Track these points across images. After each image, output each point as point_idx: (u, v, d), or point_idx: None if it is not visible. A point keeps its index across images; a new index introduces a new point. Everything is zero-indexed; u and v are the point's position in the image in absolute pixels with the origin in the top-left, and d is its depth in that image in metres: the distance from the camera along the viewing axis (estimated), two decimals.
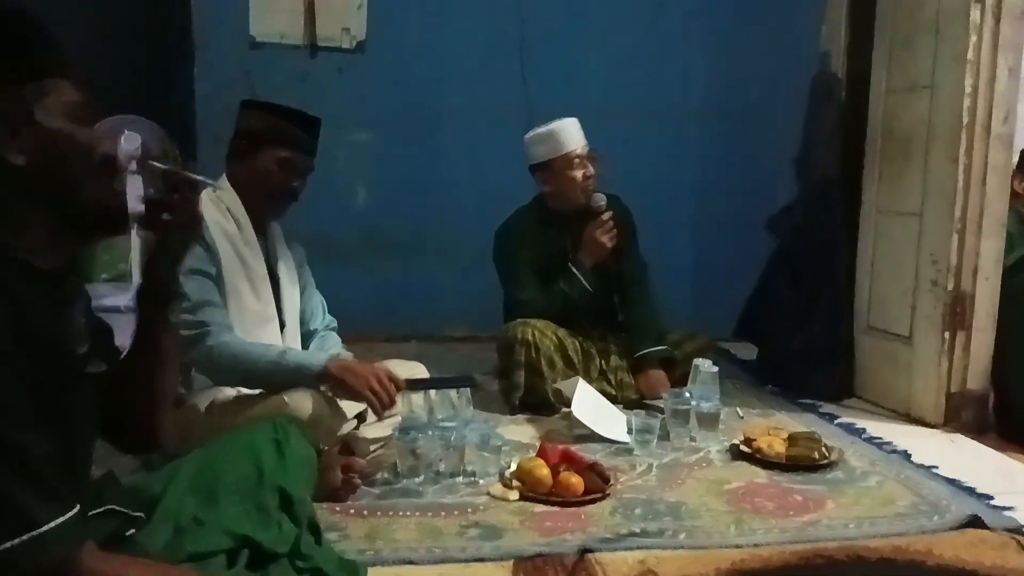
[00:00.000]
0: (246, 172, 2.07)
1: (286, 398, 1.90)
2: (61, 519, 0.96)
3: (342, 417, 1.98)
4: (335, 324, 2.35)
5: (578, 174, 2.85)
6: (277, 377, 1.92)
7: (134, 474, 1.67)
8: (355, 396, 1.94)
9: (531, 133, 2.92)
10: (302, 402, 1.90)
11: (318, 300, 2.33)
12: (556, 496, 1.98)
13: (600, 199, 2.88)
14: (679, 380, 2.79)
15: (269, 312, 2.09)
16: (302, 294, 2.26)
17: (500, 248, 2.96)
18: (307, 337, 2.26)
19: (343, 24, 3.78)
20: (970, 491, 2.13)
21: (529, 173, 2.95)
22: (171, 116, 4.65)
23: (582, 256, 2.87)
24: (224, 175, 2.10)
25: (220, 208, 2.05)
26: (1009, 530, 1.89)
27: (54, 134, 1.07)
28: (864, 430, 2.63)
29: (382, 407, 1.94)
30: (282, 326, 2.14)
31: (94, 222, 1.14)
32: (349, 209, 3.91)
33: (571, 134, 2.86)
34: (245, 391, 1.99)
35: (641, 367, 2.88)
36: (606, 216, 2.85)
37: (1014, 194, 3.18)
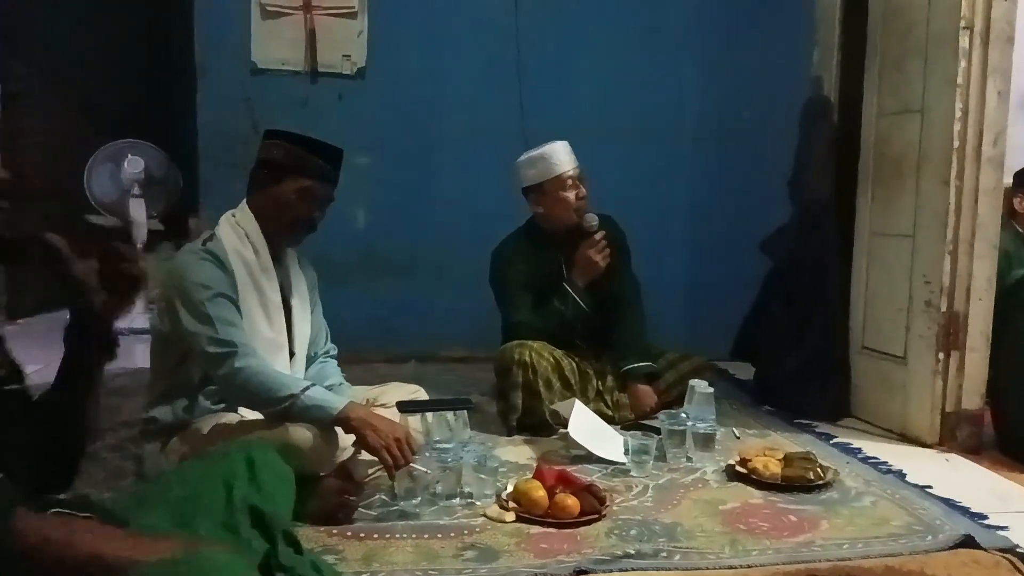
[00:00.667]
0: (267, 200, 2.08)
1: (288, 426, 1.92)
2: None
3: (340, 444, 2.00)
4: (335, 351, 2.37)
5: (570, 195, 2.89)
6: (294, 410, 1.93)
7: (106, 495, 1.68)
8: (371, 452, 1.94)
9: (523, 156, 2.97)
10: (303, 431, 1.92)
11: (322, 325, 2.35)
12: (552, 517, 1.99)
13: (592, 219, 2.93)
14: (675, 400, 2.82)
15: (280, 340, 2.11)
16: (312, 316, 2.28)
17: (495, 271, 3.00)
18: (308, 362, 2.28)
19: (344, 51, 3.85)
20: (964, 511, 2.14)
21: (522, 196, 2.99)
22: (174, 140, 4.72)
23: (576, 275, 2.92)
24: (244, 201, 2.13)
25: (238, 233, 2.07)
26: (1002, 550, 1.90)
27: None
28: (860, 450, 2.65)
29: (396, 470, 1.94)
30: (291, 354, 2.15)
31: None
32: (348, 231, 3.94)
33: (562, 156, 2.91)
34: (248, 416, 2.02)
35: (627, 382, 2.92)
36: (598, 236, 2.90)
37: (1014, 213, 3.22)
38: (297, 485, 1.90)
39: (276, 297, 2.11)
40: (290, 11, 3.78)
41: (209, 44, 3.82)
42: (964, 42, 2.58)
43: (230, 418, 2.01)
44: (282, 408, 1.92)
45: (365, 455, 2.08)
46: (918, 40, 2.74)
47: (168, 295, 2.00)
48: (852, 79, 3.05)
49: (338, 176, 2.15)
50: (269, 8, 3.77)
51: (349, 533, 1.91)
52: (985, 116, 2.61)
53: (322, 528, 1.89)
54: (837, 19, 3.14)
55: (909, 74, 2.78)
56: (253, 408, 1.99)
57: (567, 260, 2.95)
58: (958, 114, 2.60)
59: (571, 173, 2.90)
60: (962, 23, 2.57)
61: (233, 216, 2.11)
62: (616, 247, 2.97)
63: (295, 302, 2.17)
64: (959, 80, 2.59)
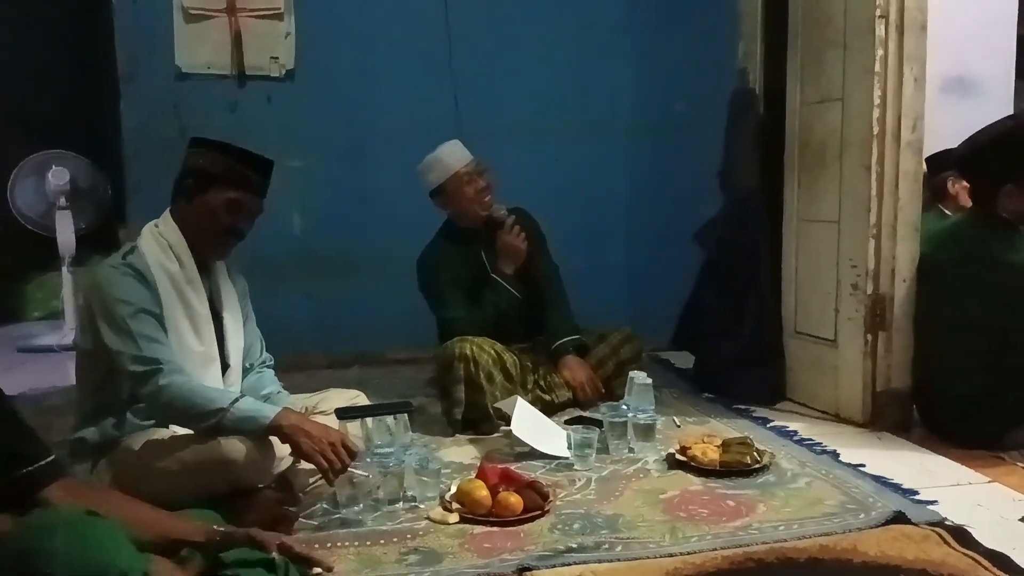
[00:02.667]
0: (192, 210, 2.04)
1: (221, 440, 1.88)
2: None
3: (276, 455, 1.97)
4: (272, 361, 2.33)
5: (470, 190, 2.97)
6: (225, 424, 1.89)
7: None
8: (305, 459, 1.90)
9: (420, 164, 3.03)
10: (236, 444, 1.89)
11: (256, 335, 2.31)
12: (496, 516, 2.00)
13: (500, 208, 3.02)
14: (612, 374, 2.98)
15: (211, 353, 2.06)
16: (244, 326, 2.24)
17: (423, 276, 3.05)
18: (244, 373, 2.23)
19: (271, 53, 3.78)
20: (895, 487, 2.21)
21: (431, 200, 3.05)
22: (100, 150, 4.58)
23: (501, 264, 3.00)
24: (167, 211, 2.08)
25: (161, 245, 2.02)
26: (931, 524, 1.97)
27: None
28: (795, 432, 2.71)
29: (334, 475, 1.91)
30: (225, 367, 2.11)
31: None
32: (285, 234, 3.89)
33: (454, 154, 2.99)
34: (180, 431, 1.97)
35: (558, 357, 2.99)
36: (510, 221, 2.99)
37: (941, 195, 3.31)
38: (235, 498, 1.89)
39: (204, 309, 2.06)
40: (214, 14, 3.70)
41: (132, 50, 3.71)
42: (880, 31, 2.66)
43: (162, 434, 1.96)
44: (212, 423, 1.88)
45: (304, 464, 2.06)
46: (836, 31, 2.81)
47: (89, 312, 1.94)
48: (775, 70, 3.12)
49: (267, 187, 2.12)
50: (192, 11, 3.68)
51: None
52: (903, 103, 2.68)
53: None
54: (759, 11, 3.21)
55: (829, 64, 2.85)
56: (182, 425, 1.95)
57: (488, 252, 3.03)
58: (877, 101, 2.67)
59: (467, 169, 2.96)
60: (878, 12, 2.64)
61: (156, 227, 2.06)
62: (531, 234, 3.06)
63: (226, 313, 2.13)
64: (876, 68, 2.66)
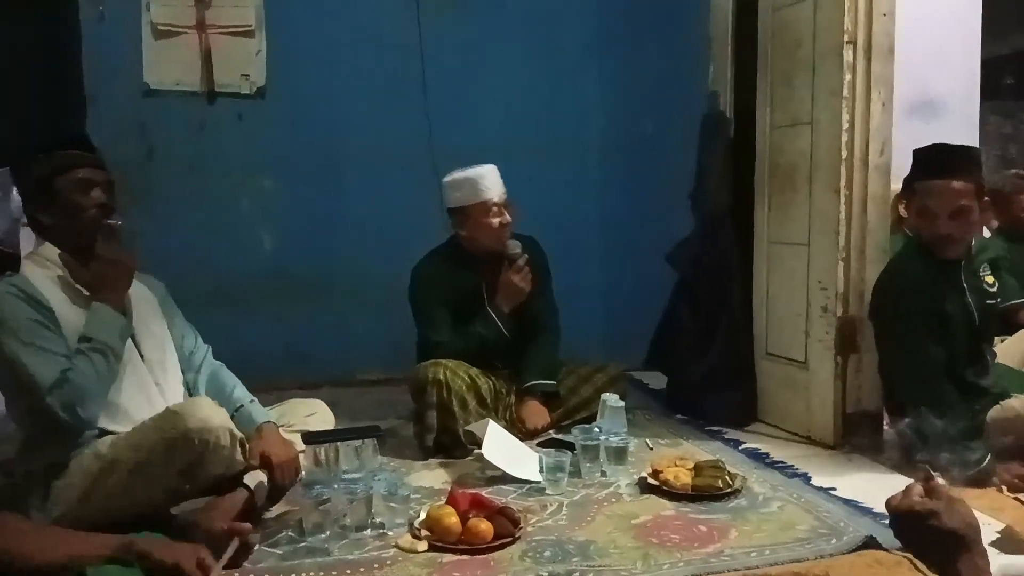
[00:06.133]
0: (57, 218, 2.02)
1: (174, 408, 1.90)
2: None
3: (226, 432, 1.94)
4: (209, 348, 2.31)
5: (494, 222, 2.90)
6: None
7: None
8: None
9: (450, 177, 2.95)
10: (202, 407, 1.91)
11: (189, 329, 2.29)
12: (466, 544, 1.97)
13: (516, 245, 2.94)
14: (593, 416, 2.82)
15: (139, 371, 2.05)
16: (172, 331, 2.21)
17: (415, 288, 2.97)
18: (196, 371, 2.22)
19: (242, 70, 3.75)
20: (866, 511, 2.20)
21: (447, 214, 2.99)
22: None
23: (499, 301, 2.93)
24: (36, 242, 2.06)
25: (41, 263, 2.02)
26: (903, 549, 1.96)
27: None
28: (767, 455, 2.71)
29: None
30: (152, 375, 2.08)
31: None
32: (254, 255, 3.85)
33: (489, 182, 2.91)
34: (123, 429, 1.96)
35: (523, 397, 2.94)
36: (522, 261, 2.92)
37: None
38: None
39: None
40: (184, 30, 3.67)
41: (99, 66, 3.65)
42: (848, 56, 2.69)
43: (106, 441, 1.94)
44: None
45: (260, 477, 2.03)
46: (805, 55, 2.84)
47: None
48: (746, 93, 3.14)
49: (100, 159, 2.12)
50: (161, 28, 3.64)
51: (252, 575, 1.84)
52: (871, 126, 2.72)
53: (224, 572, 1.81)
54: (729, 35, 3.24)
55: (798, 88, 2.88)
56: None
57: (488, 283, 2.95)
58: (845, 125, 2.69)
59: (497, 200, 2.90)
60: (845, 38, 2.68)
61: (31, 253, 2.05)
62: (538, 270, 3.00)
63: (138, 323, 2.09)
64: (845, 92, 2.69)
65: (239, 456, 1.97)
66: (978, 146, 3.30)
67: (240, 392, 2.21)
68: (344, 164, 3.92)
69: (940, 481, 1.05)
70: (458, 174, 2.93)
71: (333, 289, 3.93)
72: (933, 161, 2.48)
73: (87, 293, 2.00)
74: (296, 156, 3.86)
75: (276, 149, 3.83)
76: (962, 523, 1.00)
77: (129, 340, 2.04)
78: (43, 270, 2.00)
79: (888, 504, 1.07)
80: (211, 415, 1.91)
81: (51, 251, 2.03)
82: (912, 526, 1.05)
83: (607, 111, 4.13)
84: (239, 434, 1.97)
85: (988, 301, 2.56)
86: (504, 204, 2.92)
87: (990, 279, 2.59)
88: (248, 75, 3.76)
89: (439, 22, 3.94)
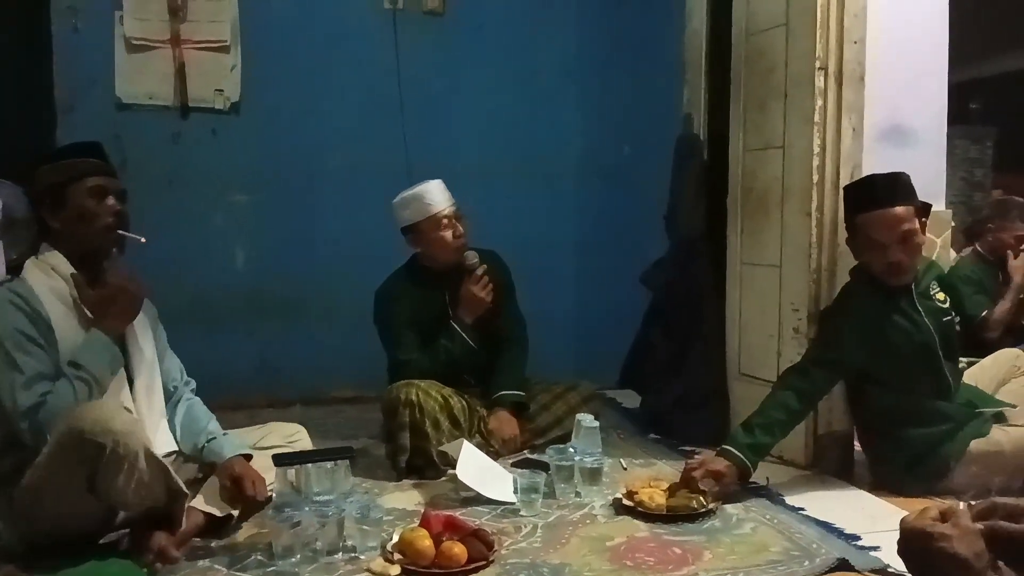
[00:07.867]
0: (65, 224, 2.00)
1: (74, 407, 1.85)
2: None
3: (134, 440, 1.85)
4: (193, 385, 2.28)
5: (447, 234, 2.91)
6: None
7: None
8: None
9: (398, 197, 2.97)
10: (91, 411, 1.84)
11: (173, 360, 2.26)
12: (439, 567, 1.95)
13: (472, 256, 2.95)
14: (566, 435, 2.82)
15: (121, 396, 2.01)
16: (160, 356, 2.18)
17: (379, 310, 2.97)
18: (168, 397, 2.18)
19: (216, 85, 3.73)
20: (839, 533, 2.22)
21: (402, 235, 2.99)
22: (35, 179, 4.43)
23: (462, 313, 2.93)
24: (43, 246, 2.03)
25: (45, 269, 1.98)
26: (874, 571, 1.98)
27: None
28: None
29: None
30: (131, 382, 2.05)
31: None
32: (228, 272, 3.82)
33: (436, 196, 2.92)
34: None
35: (493, 408, 2.94)
36: (480, 271, 2.92)
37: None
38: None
39: None
40: (157, 44, 3.64)
41: (72, 79, 3.62)
42: (820, 82, 2.73)
43: None
44: None
45: (199, 503, 2.01)
46: (778, 80, 2.88)
47: None
48: (719, 117, 3.18)
49: (112, 167, 2.11)
50: (135, 41, 3.62)
51: None
52: (841, 151, 2.75)
53: None
54: (703, 60, 3.28)
55: (771, 113, 2.92)
56: None
57: (452, 297, 2.96)
58: (816, 150, 2.73)
59: (447, 212, 2.91)
60: (817, 64, 2.72)
61: (36, 258, 2.02)
62: (500, 282, 3.00)
63: (130, 338, 2.06)
64: (816, 118, 2.73)
65: (148, 473, 1.83)
66: (944, 170, 3.37)
67: (214, 426, 2.18)
68: (319, 182, 3.91)
69: (961, 506, 1.07)
70: (406, 192, 2.95)
71: (307, 306, 3.90)
72: (869, 193, 2.52)
73: (90, 316, 1.96)
74: (271, 173, 3.85)
75: (250, 165, 3.81)
76: (971, 552, 1.01)
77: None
78: (48, 279, 1.97)
79: (902, 522, 1.08)
80: (111, 418, 1.80)
81: (59, 260, 1.99)
82: (920, 546, 1.05)
83: (583, 134, 4.17)
84: (155, 451, 1.87)
85: (945, 318, 2.59)
86: (455, 216, 2.93)
87: (941, 296, 2.62)
88: (223, 90, 3.74)
89: (417, 42, 3.96)
